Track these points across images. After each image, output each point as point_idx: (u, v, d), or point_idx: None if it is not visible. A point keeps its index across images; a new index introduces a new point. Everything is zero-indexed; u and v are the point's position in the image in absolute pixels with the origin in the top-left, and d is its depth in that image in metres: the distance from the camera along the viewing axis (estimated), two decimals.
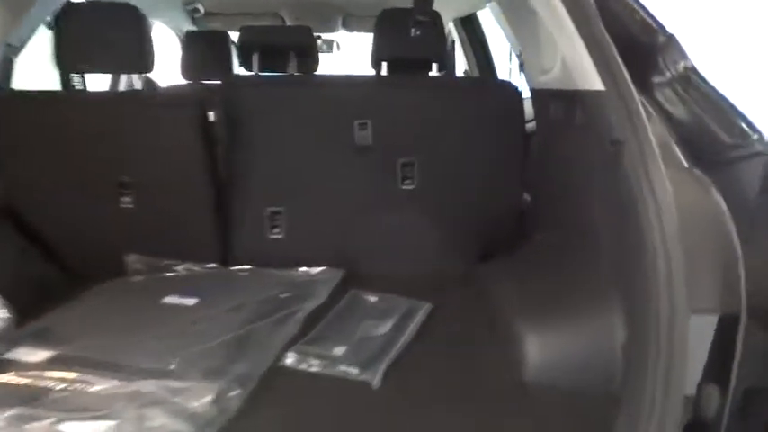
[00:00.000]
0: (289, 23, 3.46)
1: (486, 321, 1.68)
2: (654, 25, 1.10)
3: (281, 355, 1.47)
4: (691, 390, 0.92)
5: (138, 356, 1.36)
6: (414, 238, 2.07)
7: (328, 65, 4.64)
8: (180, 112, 1.86)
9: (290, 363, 1.45)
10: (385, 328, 1.62)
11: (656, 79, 1.09)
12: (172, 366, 1.34)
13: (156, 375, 1.29)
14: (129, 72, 1.99)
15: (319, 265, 2.02)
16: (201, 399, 1.25)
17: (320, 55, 4.70)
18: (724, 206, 0.95)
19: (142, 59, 1.85)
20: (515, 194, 2.15)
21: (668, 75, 1.07)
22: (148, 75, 3.62)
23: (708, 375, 0.93)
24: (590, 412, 1.20)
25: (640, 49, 1.10)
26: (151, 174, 1.90)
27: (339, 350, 1.50)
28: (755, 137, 0.93)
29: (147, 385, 1.24)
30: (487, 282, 1.87)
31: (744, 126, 0.96)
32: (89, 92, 2.24)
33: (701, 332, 0.92)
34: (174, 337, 1.48)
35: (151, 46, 1.90)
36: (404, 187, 2.07)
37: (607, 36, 1.07)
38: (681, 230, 0.92)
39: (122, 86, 2.94)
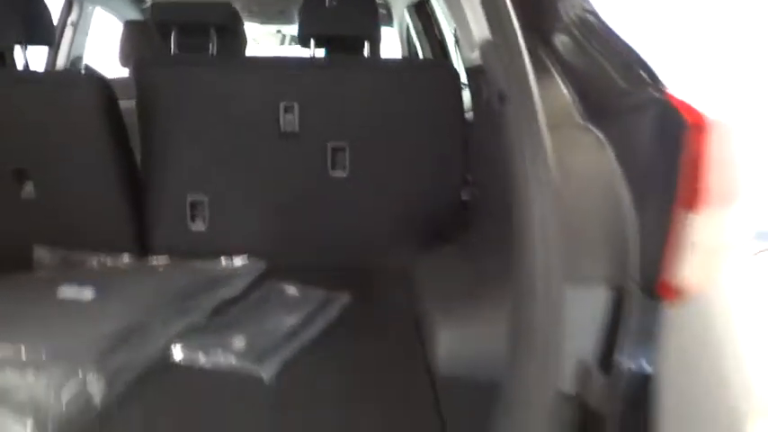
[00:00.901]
0: (243, 15, 3.33)
1: (408, 316, 1.56)
2: None
3: (169, 346, 1.33)
4: (571, 376, 0.79)
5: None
6: (345, 229, 1.95)
7: None
8: (76, 92, 1.73)
9: (178, 355, 1.32)
10: (295, 319, 1.50)
11: (553, 25, 0.97)
12: (33, 357, 1.20)
13: (13, 365, 1.16)
14: (15, 42, 1.82)
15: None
16: (60, 395, 1.11)
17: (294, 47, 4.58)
18: (616, 165, 0.83)
19: (26, 29, 1.70)
20: (455, 183, 2.03)
21: (566, 19, 0.95)
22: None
23: (597, 359, 0.80)
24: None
25: None
26: (52, 161, 1.76)
27: (236, 342, 1.37)
28: (651, 82, 0.81)
29: None
30: (415, 276, 1.74)
31: (641, 72, 0.84)
32: None
33: (586, 310, 0.80)
34: (50, 328, 1.34)
35: (43, 14, 1.75)
36: (334, 174, 1.94)
37: None
38: (568, 197, 0.80)
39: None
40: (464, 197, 2.08)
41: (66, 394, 1.12)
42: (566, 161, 0.84)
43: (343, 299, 1.62)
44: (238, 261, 1.87)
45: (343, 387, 1.26)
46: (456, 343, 1.32)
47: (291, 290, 1.67)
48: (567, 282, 0.79)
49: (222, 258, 1.86)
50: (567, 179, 0.83)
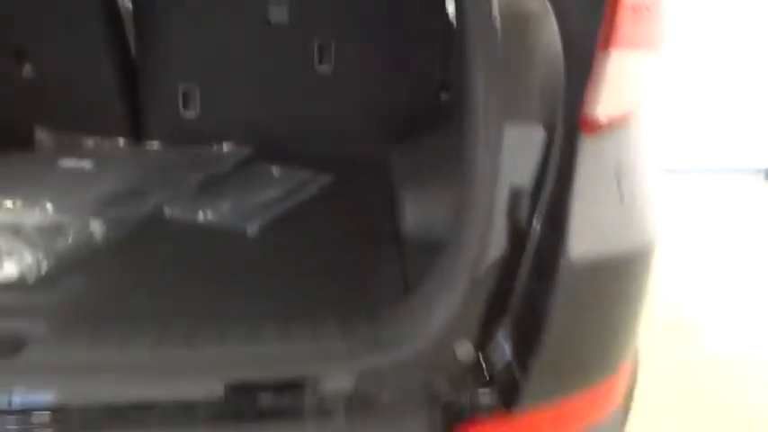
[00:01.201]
0: None
1: (383, 196, 1.69)
2: None
3: (162, 204, 1.47)
4: (505, 201, 0.94)
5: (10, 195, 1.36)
6: (328, 119, 2.06)
7: None
8: None
9: (170, 212, 1.45)
10: (277, 192, 1.63)
11: None
12: (42, 208, 1.33)
13: (24, 211, 1.29)
14: None
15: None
16: (67, 232, 1.25)
17: None
18: (555, 24, 0.94)
19: None
20: (434, 83, 2.13)
21: None
22: None
23: (529, 187, 0.94)
24: None
25: None
26: (50, 42, 1.85)
27: (222, 205, 1.51)
28: None
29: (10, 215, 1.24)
30: (391, 163, 1.86)
31: None
32: None
33: (522, 146, 0.93)
34: (55, 189, 1.47)
35: None
36: (320, 67, 2.04)
37: None
38: (511, 50, 0.92)
39: None
40: (442, 98, 2.19)
41: (72, 232, 1.26)
42: (512, 20, 0.96)
43: (324, 179, 1.76)
44: (226, 146, 1.99)
45: (318, 244, 1.41)
46: (422, 212, 1.46)
47: (275, 170, 1.79)
48: (507, 121, 0.92)
49: (212, 144, 1.99)
50: (512, 36, 0.95)
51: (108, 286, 1.17)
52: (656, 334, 2.50)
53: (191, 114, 2.04)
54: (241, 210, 1.48)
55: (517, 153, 0.93)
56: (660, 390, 2.17)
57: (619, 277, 0.94)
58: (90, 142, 1.99)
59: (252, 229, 1.42)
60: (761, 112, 4.00)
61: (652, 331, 2.44)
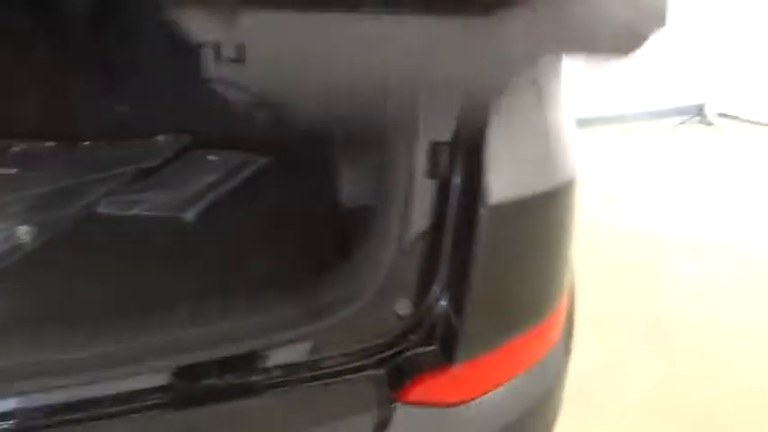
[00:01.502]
0: None
1: (321, 168, 1.68)
2: None
3: (94, 202, 1.44)
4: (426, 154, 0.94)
5: None
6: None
7: None
8: None
9: (103, 209, 1.42)
10: (213, 177, 1.60)
11: None
12: None
13: None
14: None
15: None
16: None
17: None
18: None
19: None
20: None
21: None
22: None
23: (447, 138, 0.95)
24: None
25: None
26: None
27: (157, 196, 1.48)
28: None
29: None
30: (329, 135, 1.85)
31: None
32: None
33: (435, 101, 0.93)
34: None
35: None
36: None
37: None
38: None
39: None
40: None
41: None
42: None
43: (261, 160, 1.74)
44: (161, 137, 1.94)
45: (257, 222, 1.40)
46: (358, 181, 1.46)
47: (211, 156, 1.77)
48: None
49: (146, 136, 1.94)
50: None
51: (39, 290, 1.14)
52: (616, 274, 2.61)
53: (122, 109, 1.99)
54: (177, 199, 1.45)
55: (432, 108, 0.94)
56: (621, 321, 2.28)
57: (540, 216, 0.96)
58: (16, 148, 1.92)
59: (188, 216, 1.40)
60: (687, 52, 4.09)
61: (612, 271, 2.55)
